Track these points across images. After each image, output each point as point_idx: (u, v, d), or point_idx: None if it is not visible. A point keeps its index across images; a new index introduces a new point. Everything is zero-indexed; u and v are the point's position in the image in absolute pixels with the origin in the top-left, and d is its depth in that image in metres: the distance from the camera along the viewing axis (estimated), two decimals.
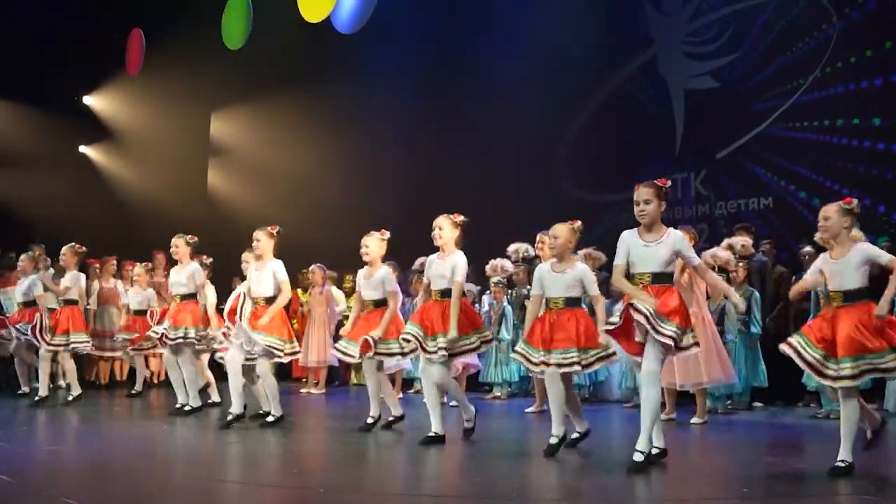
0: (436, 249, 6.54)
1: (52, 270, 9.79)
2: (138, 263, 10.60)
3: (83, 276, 9.32)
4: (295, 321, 11.22)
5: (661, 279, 5.18)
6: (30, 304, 9.41)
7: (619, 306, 5.33)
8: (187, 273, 8.11)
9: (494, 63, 12.94)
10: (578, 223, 6.14)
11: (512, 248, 10.14)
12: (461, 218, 6.50)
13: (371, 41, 13.96)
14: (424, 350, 6.32)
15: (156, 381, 12.02)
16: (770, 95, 10.81)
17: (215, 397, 9.30)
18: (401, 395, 10.79)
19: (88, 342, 9.34)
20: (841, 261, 4.99)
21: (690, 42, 11.81)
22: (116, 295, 11.49)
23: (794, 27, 10.60)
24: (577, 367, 5.74)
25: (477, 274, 10.95)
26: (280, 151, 15.33)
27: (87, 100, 15.81)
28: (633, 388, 9.22)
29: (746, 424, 8.03)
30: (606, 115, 12.53)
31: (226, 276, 11.21)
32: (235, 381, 7.31)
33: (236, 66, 15.20)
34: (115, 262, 11.83)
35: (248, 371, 7.60)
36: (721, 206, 11.28)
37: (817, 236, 6.26)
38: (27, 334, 9.08)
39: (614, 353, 5.79)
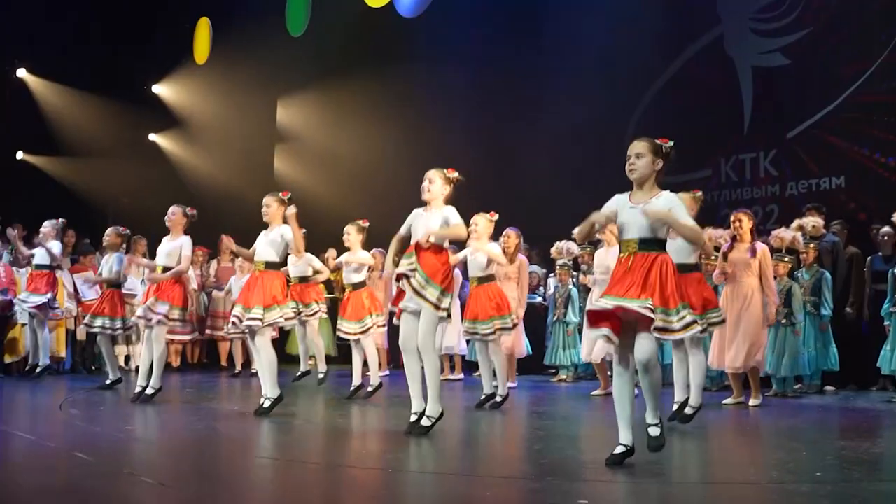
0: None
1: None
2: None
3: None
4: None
5: (650, 246, 4.61)
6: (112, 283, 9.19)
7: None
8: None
9: (561, 44, 12.83)
10: (700, 193, 6.48)
11: (577, 230, 10.05)
12: (455, 174, 6.06)
13: (434, 24, 13.94)
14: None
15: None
16: (842, 72, 10.56)
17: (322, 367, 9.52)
18: (461, 377, 10.85)
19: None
20: None
21: (759, 18, 11.59)
22: (231, 272, 11.69)
23: None
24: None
25: (542, 257, 10.91)
26: (345, 136, 15.42)
27: (157, 88, 16.08)
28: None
29: (817, 408, 7.89)
30: (673, 96, 12.36)
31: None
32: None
33: (302, 52, 15.33)
34: (230, 240, 11.97)
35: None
36: (791, 186, 11.08)
37: None
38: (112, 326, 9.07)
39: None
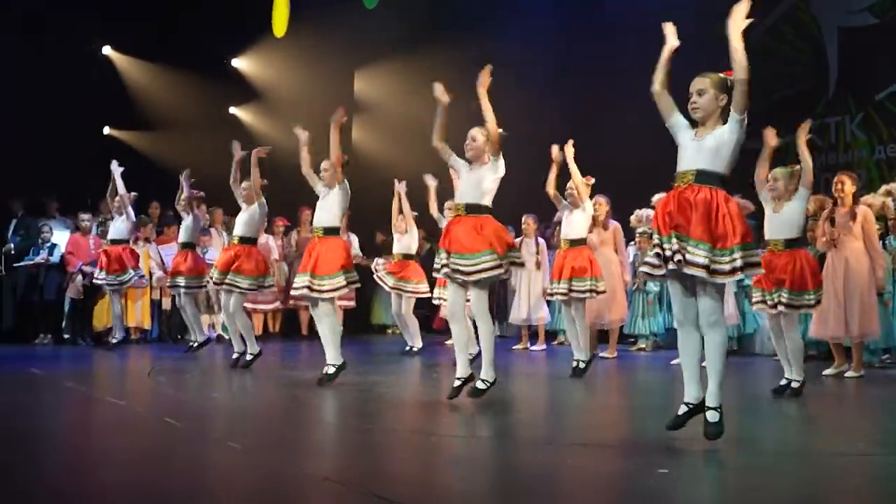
0: None
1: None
2: None
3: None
4: None
5: (707, 178, 4.29)
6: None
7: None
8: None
9: (636, 11, 12.61)
10: (798, 167, 6.32)
11: (656, 197, 9.93)
12: (499, 131, 5.99)
13: None
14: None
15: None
16: None
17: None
18: (543, 347, 10.84)
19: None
20: None
21: None
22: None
23: None
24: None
25: (622, 225, 10.77)
26: (423, 106, 15.38)
27: (237, 62, 16.28)
28: None
29: None
30: (755, 59, 11.96)
31: (367, 231, 11.44)
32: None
33: (379, 22, 15.34)
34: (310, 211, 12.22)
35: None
36: (880, 150, 10.74)
37: None
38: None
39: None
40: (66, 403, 6.18)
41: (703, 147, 4.35)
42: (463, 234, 5.71)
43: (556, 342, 11.52)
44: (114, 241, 10.01)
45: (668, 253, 4.20)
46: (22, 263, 10.97)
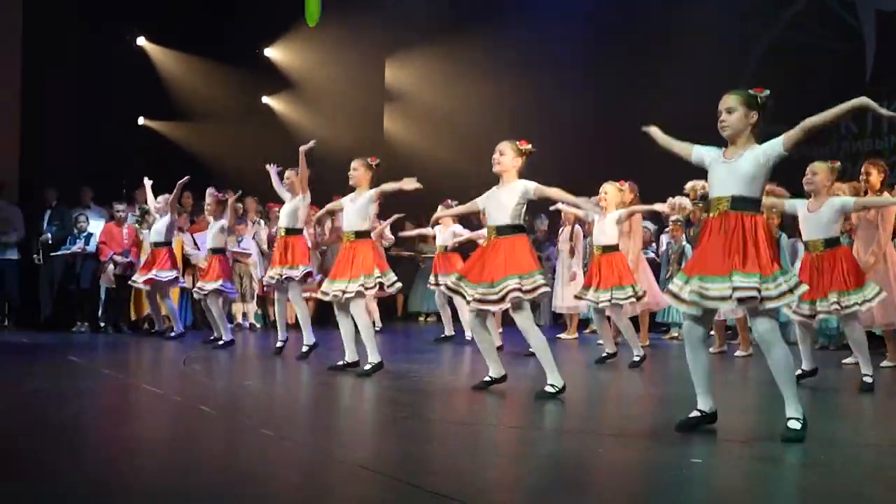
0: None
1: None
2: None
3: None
4: None
5: (742, 205, 4.22)
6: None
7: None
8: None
9: (671, 5, 12.54)
10: (838, 164, 6.17)
11: (689, 185, 9.83)
12: (528, 146, 5.74)
13: None
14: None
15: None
16: None
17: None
18: (576, 336, 10.83)
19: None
20: None
21: None
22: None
23: None
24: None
25: (654, 212, 10.70)
26: (454, 94, 15.41)
27: (269, 52, 16.35)
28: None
29: None
30: (789, 43, 11.92)
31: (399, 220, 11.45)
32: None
33: (410, 11, 15.35)
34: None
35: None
36: None
37: None
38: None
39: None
40: (104, 391, 6.26)
41: (736, 171, 4.26)
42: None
43: (587, 330, 11.51)
44: (155, 244, 10.11)
45: (684, 295, 4.31)
46: (58, 253, 11.10)
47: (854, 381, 6.46)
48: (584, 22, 13.76)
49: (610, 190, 7.57)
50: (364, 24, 15.52)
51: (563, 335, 10.81)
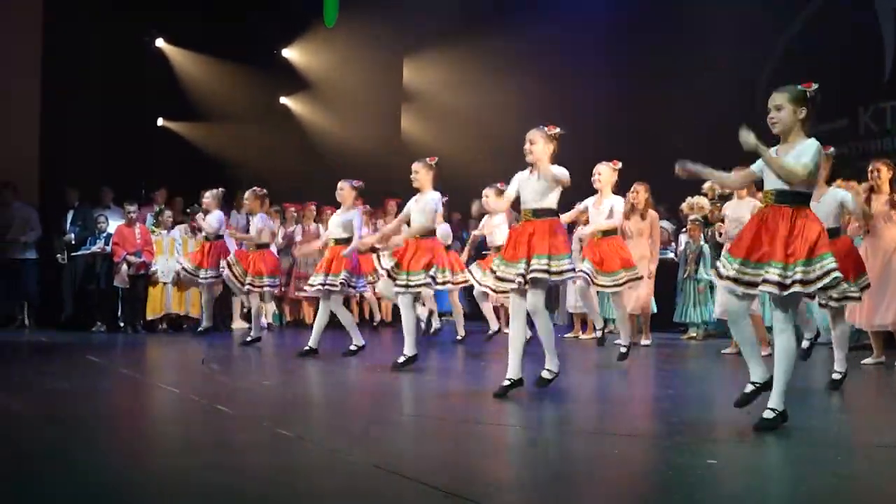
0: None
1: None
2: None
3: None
4: None
5: (785, 198, 4.38)
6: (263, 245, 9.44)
7: None
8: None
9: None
10: (832, 149, 6.19)
11: (707, 185, 9.82)
12: (556, 130, 5.69)
13: None
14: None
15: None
16: None
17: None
18: (592, 335, 10.78)
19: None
20: None
21: None
22: (317, 238, 11.95)
23: None
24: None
25: (672, 212, 10.68)
26: (472, 94, 15.41)
27: (287, 53, 16.40)
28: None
29: None
30: (808, 41, 11.84)
31: None
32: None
33: (427, 10, 15.35)
34: (314, 207, 12.43)
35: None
36: None
37: None
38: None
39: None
40: (121, 390, 6.31)
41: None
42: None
43: (607, 330, 11.44)
44: (207, 239, 10.31)
45: (731, 273, 4.42)
46: (79, 253, 11.19)
47: (876, 381, 6.43)
48: (604, 14, 13.72)
49: (604, 170, 7.42)
50: (381, 24, 15.55)
51: (581, 336, 10.77)
